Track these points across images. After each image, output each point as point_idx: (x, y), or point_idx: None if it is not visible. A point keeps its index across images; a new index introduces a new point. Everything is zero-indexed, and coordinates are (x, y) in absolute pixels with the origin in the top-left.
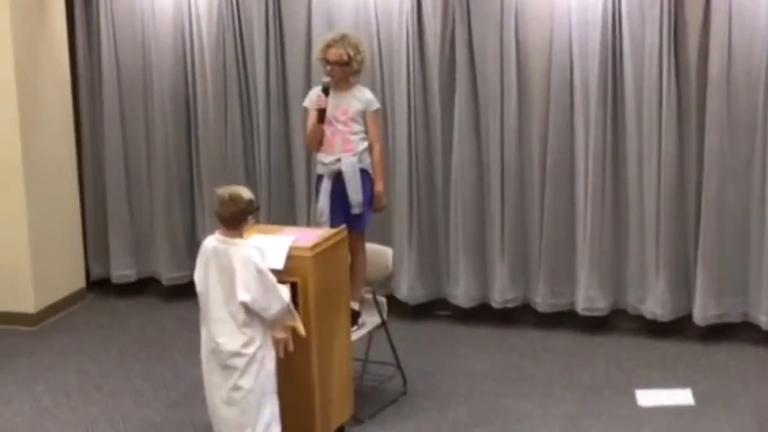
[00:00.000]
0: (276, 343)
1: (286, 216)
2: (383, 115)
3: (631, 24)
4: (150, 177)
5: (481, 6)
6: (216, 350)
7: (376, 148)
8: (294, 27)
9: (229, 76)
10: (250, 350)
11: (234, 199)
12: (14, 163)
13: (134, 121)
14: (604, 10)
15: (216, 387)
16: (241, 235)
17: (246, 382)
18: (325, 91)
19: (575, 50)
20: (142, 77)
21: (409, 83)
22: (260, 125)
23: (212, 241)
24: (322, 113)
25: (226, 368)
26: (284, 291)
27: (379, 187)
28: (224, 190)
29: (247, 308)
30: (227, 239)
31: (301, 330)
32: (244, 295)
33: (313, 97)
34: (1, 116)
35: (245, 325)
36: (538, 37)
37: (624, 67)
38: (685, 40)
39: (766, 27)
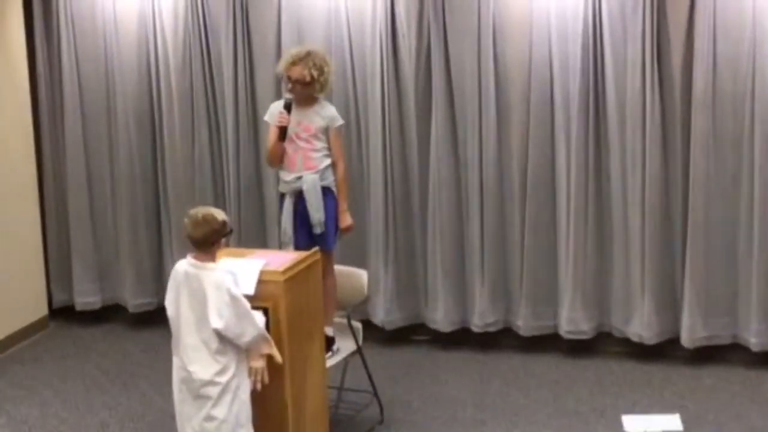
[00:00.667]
0: (253, 373)
1: (256, 238)
2: (356, 132)
3: (612, 37)
4: (114, 200)
5: (457, 20)
6: (188, 379)
7: (340, 166)
8: (263, 42)
9: (196, 94)
10: (223, 379)
11: (207, 220)
12: None
13: (97, 141)
14: (585, 24)
15: (188, 418)
16: (213, 259)
17: (219, 412)
18: (287, 107)
19: (555, 64)
20: (106, 97)
21: (383, 99)
22: (229, 145)
23: (184, 265)
24: (283, 131)
25: (199, 398)
26: (259, 317)
27: (343, 206)
28: (197, 211)
29: (221, 335)
30: (199, 263)
31: (278, 357)
32: (216, 322)
33: (274, 113)
34: None
35: (218, 352)
36: (517, 51)
37: (606, 82)
38: (668, 54)
39: (751, 39)
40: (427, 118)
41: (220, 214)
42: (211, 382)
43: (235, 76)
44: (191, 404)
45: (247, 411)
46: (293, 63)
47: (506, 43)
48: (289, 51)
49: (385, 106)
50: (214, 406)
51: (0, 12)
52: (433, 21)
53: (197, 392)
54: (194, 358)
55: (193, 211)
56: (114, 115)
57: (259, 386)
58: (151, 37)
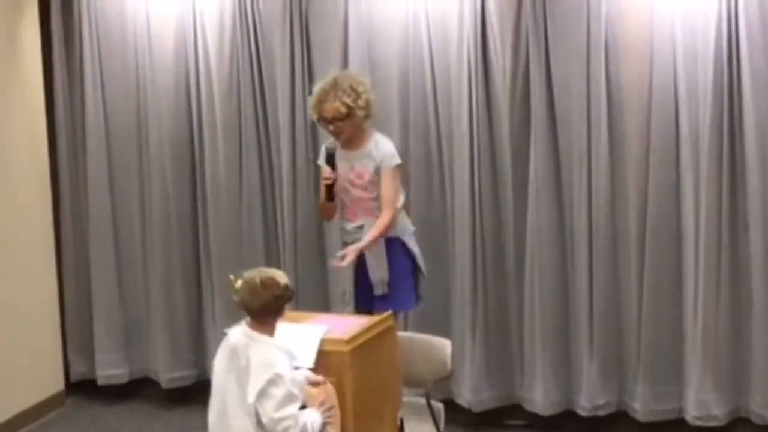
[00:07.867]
0: None
1: (316, 299)
2: (438, 170)
3: (751, 54)
4: (145, 252)
5: (561, 33)
6: None
7: (386, 215)
8: (326, 62)
9: (245, 123)
10: None
11: (267, 285)
12: None
13: (126, 181)
14: (717, 40)
15: None
16: (272, 332)
17: None
18: (329, 159)
19: (681, 89)
20: (136, 127)
21: (471, 129)
22: (284, 185)
23: (236, 333)
24: (329, 189)
25: None
26: (311, 415)
27: (367, 244)
28: (255, 274)
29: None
30: (253, 333)
31: None
32: (253, 396)
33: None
34: None
35: None
36: (634, 72)
37: (744, 111)
38: None
39: None
40: (524, 153)
41: (282, 278)
42: None
43: (292, 102)
44: None
45: None
46: (321, 100)
47: (621, 63)
48: (314, 89)
49: (474, 138)
50: None
51: (12, 22)
52: (532, 35)
53: None
54: None
55: (249, 274)
56: (146, 148)
57: None
58: (191, 53)
